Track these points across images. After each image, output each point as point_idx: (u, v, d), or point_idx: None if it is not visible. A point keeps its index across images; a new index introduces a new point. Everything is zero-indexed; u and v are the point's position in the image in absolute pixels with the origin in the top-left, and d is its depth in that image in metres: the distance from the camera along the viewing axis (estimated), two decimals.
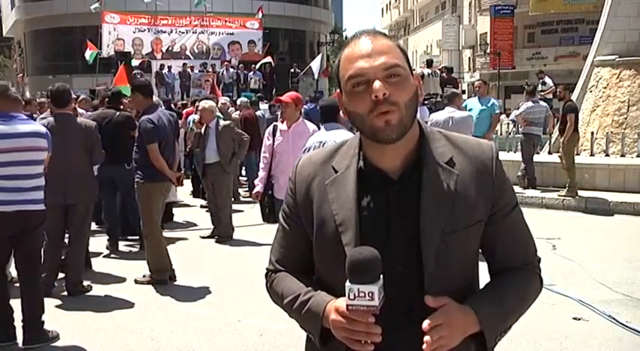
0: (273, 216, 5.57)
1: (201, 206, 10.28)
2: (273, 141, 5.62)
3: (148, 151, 5.78)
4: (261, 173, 5.75)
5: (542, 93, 16.15)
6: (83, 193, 5.61)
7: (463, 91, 10.48)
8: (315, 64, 24.54)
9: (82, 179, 5.59)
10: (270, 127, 5.78)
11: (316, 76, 25.03)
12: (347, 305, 1.33)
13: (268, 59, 24.85)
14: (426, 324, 1.35)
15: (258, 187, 5.75)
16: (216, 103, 9.65)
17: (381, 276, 1.33)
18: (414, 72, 1.50)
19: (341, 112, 1.56)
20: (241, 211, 9.48)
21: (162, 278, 5.93)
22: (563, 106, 10.12)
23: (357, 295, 1.31)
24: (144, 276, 6.00)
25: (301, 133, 5.44)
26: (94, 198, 5.91)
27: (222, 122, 8.07)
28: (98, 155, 5.75)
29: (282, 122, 5.70)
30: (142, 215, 6.01)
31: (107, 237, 7.38)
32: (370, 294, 1.30)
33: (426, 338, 1.35)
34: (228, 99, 13.65)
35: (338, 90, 1.53)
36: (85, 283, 5.79)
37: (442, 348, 1.37)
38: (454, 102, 8.00)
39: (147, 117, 5.81)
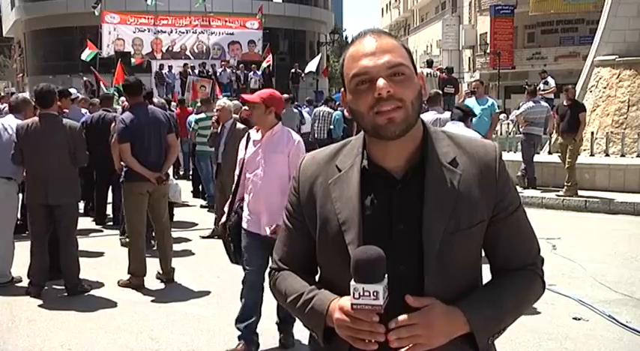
0: (238, 252, 4.29)
1: (202, 206, 10.28)
2: (245, 154, 4.29)
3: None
4: (231, 197, 4.40)
5: (543, 92, 16.14)
6: (66, 194, 5.58)
7: (473, 92, 10.43)
8: (313, 64, 24.67)
9: (65, 180, 5.57)
10: (245, 137, 4.42)
11: (307, 70, 25.11)
12: (351, 304, 1.34)
13: (268, 63, 24.82)
14: (392, 322, 1.36)
15: (225, 216, 4.39)
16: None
17: (386, 275, 1.34)
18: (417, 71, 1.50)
19: (345, 110, 1.56)
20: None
21: (137, 283, 5.84)
22: (570, 106, 10.05)
23: (361, 294, 1.31)
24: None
25: (277, 146, 4.15)
26: (77, 198, 5.90)
27: (239, 125, 8.02)
28: (81, 157, 5.70)
29: (257, 131, 4.27)
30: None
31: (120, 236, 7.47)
32: (375, 293, 1.31)
33: (391, 336, 1.35)
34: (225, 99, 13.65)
35: (343, 88, 1.53)
36: (85, 283, 5.80)
37: (418, 347, 1.38)
38: (437, 103, 8.01)
39: (121, 117, 5.88)
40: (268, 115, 4.15)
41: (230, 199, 4.34)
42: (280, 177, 4.09)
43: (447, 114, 8.16)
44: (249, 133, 4.37)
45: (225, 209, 4.38)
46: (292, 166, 4.03)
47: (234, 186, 4.37)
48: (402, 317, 1.37)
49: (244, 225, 4.20)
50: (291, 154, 4.13)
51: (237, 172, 4.34)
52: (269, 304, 4.87)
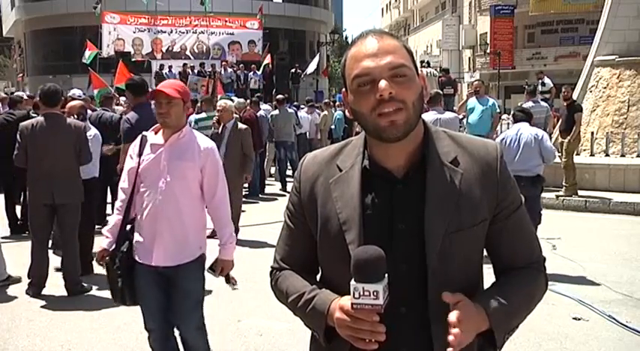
0: (130, 292, 3.42)
1: None
2: (139, 162, 3.33)
3: None
4: (115, 217, 3.42)
5: (545, 94, 16.18)
6: (72, 193, 5.60)
7: (476, 91, 10.46)
8: (312, 66, 24.76)
9: (70, 179, 5.58)
10: (137, 140, 3.44)
11: (308, 72, 25.21)
12: (352, 304, 1.34)
13: (267, 60, 24.79)
14: (454, 317, 1.35)
15: (106, 242, 3.38)
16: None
17: (386, 275, 1.34)
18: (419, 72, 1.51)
19: (346, 111, 1.56)
20: (242, 211, 9.48)
21: None
22: (568, 106, 10.09)
23: (362, 293, 1.32)
24: None
25: (184, 152, 3.30)
26: (81, 197, 5.91)
27: (240, 125, 8.04)
28: (86, 156, 5.72)
29: (156, 132, 3.38)
30: None
31: None
32: (375, 293, 1.31)
33: (455, 331, 1.34)
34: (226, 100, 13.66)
35: (344, 89, 1.54)
36: (85, 283, 5.79)
37: (460, 344, 1.37)
38: (438, 103, 8.04)
39: (126, 117, 5.88)
40: (185, 114, 3.38)
41: (119, 221, 3.37)
42: (189, 191, 3.32)
43: (448, 114, 8.20)
44: (143, 136, 3.40)
45: (108, 234, 3.39)
46: (208, 186, 3.35)
47: (120, 203, 3.41)
48: (456, 313, 1.36)
49: (137, 255, 3.32)
50: (206, 170, 3.34)
51: (123, 184, 3.39)
52: (269, 305, 4.88)
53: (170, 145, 3.28)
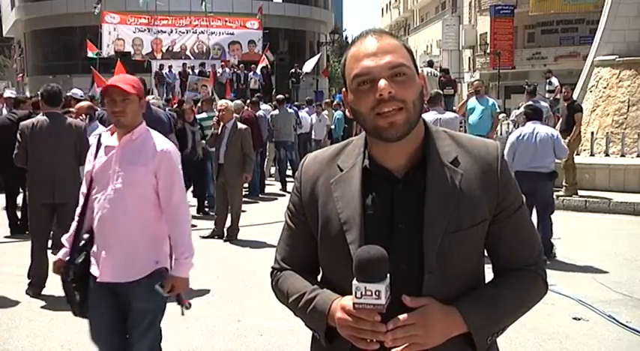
0: (87, 304, 3.06)
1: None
2: (93, 165, 3.08)
3: None
4: (74, 224, 3.15)
5: (550, 94, 16.25)
6: (72, 192, 5.58)
7: (477, 91, 10.46)
8: (309, 65, 24.73)
9: (70, 178, 5.56)
10: (94, 141, 3.25)
11: (304, 70, 25.20)
12: (354, 304, 1.34)
13: (264, 63, 24.76)
14: (390, 324, 1.36)
15: (62, 252, 3.13)
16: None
17: (388, 275, 1.34)
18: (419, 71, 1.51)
19: (346, 111, 1.56)
20: (243, 211, 9.48)
21: None
22: (568, 106, 10.15)
23: (364, 293, 1.32)
24: None
25: (138, 155, 2.97)
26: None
27: (240, 125, 8.06)
28: (86, 155, 5.72)
29: (112, 133, 3.08)
30: None
31: None
32: (377, 293, 1.31)
33: (387, 336, 1.36)
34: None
35: (344, 88, 1.54)
36: None
37: (416, 347, 1.38)
38: (438, 103, 8.06)
39: None
40: (140, 110, 3.06)
41: (74, 230, 3.10)
42: (141, 199, 2.97)
43: (448, 114, 8.21)
44: (100, 137, 3.15)
45: (65, 242, 3.14)
46: (163, 191, 2.98)
47: (78, 209, 3.12)
48: (400, 318, 1.37)
49: (94, 270, 3.00)
50: (160, 174, 2.97)
51: (83, 189, 3.14)
52: (269, 305, 4.88)
53: (122, 147, 2.97)
